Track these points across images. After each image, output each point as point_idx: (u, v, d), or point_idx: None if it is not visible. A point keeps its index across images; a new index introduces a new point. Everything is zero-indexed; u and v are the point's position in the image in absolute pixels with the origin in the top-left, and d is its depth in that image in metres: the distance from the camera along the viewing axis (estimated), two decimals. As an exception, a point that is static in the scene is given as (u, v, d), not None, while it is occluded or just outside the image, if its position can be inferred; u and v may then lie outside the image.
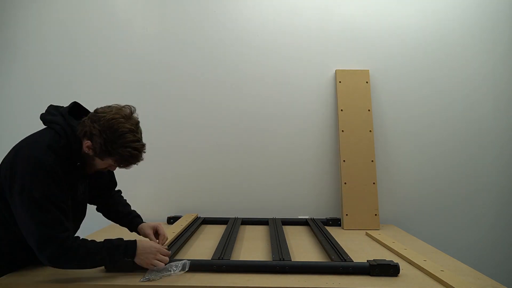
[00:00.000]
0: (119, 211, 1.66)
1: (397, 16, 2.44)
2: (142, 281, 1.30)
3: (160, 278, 1.33)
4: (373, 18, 2.44)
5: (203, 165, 2.46)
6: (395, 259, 1.51)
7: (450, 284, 1.26)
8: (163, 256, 1.39)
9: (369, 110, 2.36)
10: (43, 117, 1.41)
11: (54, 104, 1.45)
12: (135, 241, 1.37)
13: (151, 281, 1.31)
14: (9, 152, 1.36)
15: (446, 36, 2.43)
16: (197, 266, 1.41)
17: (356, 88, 2.38)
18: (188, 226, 2.08)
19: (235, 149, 2.45)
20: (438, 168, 2.42)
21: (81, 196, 1.47)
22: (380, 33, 2.44)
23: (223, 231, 1.98)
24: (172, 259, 1.43)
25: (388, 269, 1.38)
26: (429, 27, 2.43)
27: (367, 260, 1.42)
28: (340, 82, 2.40)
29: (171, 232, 1.87)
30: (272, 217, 2.33)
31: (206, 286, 1.28)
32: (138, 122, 1.37)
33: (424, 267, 1.42)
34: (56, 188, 1.27)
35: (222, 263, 1.42)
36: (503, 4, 2.42)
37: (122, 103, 2.60)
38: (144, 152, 1.35)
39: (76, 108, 1.44)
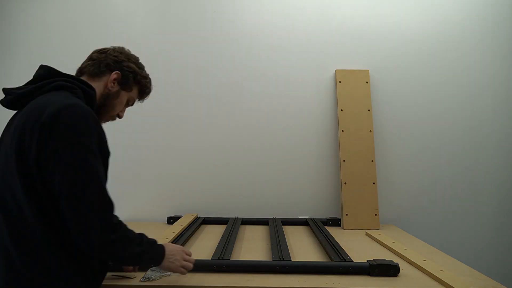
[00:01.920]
0: None
1: (398, 16, 2.44)
2: (142, 281, 1.30)
3: (160, 278, 1.33)
4: (373, 18, 2.44)
5: (203, 165, 2.46)
6: (395, 259, 1.51)
7: (450, 284, 1.26)
8: (189, 257, 1.26)
9: (369, 110, 2.36)
10: (42, 81, 1.15)
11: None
12: (161, 244, 1.19)
13: (151, 281, 1.31)
14: (17, 119, 1.07)
15: (446, 36, 2.43)
16: (197, 266, 1.40)
17: (356, 88, 2.38)
18: (188, 226, 2.08)
19: (235, 149, 2.45)
20: (438, 168, 2.42)
21: None
22: (380, 33, 2.44)
23: (223, 231, 1.98)
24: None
25: (388, 269, 1.38)
26: (429, 27, 2.43)
27: (367, 260, 1.42)
28: (340, 82, 2.40)
29: (171, 232, 1.87)
30: (272, 217, 2.33)
31: (206, 286, 1.28)
32: None
33: (424, 267, 1.43)
34: (105, 141, 1.08)
35: (222, 263, 1.42)
36: (504, 4, 2.42)
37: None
38: None
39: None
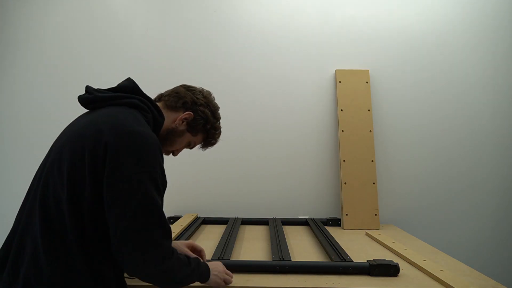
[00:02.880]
0: None
1: (397, 17, 2.44)
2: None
3: None
4: (373, 19, 2.44)
5: (203, 165, 2.46)
6: (395, 259, 1.51)
7: (450, 284, 1.26)
8: (228, 271, 1.27)
9: (369, 110, 2.36)
10: (107, 95, 1.17)
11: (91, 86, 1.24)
12: (204, 262, 1.20)
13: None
14: (81, 133, 1.03)
15: (446, 36, 2.43)
16: (197, 266, 1.41)
17: (356, 88, 2.38)
18: (188, 226, 2.08)
19: (235, 149, 2.45)
20: (438, 168, 2.42)
21: None
22: (380, 33, 2.44)
23: (223, 231, 1.98)
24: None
25: (388, 269, 1.38)
26: (429, 27, 2.43)
27: (367, 260, 1.42)
28: (340, 82, 2.40)
29: (171, 232, 1.87)
30: (272, 217, 2.34)
31: (205, 286, 1.28)
32: None
33: (424, 267, 1.42)
34: (160, 172, 1.03)
35: (221, 263, 1.42)
36: (504, 3, 2.42)
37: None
38: None
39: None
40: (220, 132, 1.33)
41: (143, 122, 1.07)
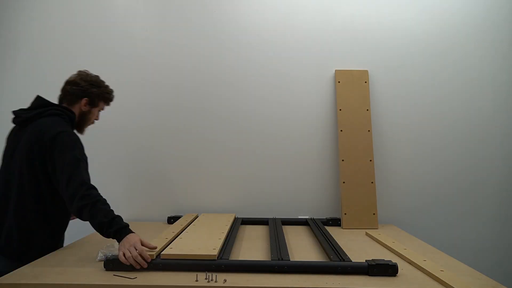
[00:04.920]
0: None
1: (397, 17, 2.44)
2: (98, 261, 1.47)
3: (111, 255, 1.42)
4: (373, 19, 2.44)
5: (203, 165, 2.46)
6: (395, 259, 1.51)
7: (450, 284, 1.26)
8: (138, 260, 1.39)
9: (367, 110, 2.36)
10: (33, 112, 1.69)
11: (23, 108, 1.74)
12: (128, 230, 1.50)
13: (108, 258, 1.40)
14: (27, 135, 1.63)
15: (445, 36, 2.43)
16: (196, 266, 1.41)
17: (355, 88, 2.38)
18: (188, 226, 2.07)
19: (234, 149, 2.45)
20: (437, 168, 2.42)
21: None
22: (380, 34, 2.44)
23: (223, 231, 1.97)
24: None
25: (387, 269, 1.38)
26: (428, 27, 2.43)
27: (366, 260, 1.42)
28: (339, 82, 2.40)
29: (171, 232, 1.87)
30: (272, 217, 2.34)
31: (205, 286, 1.28)
32: None
33: (424, 267, 1.42)
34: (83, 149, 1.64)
35: (221, 262, 1.42)
36: (504, 4, 2.41)
37: (123, 104, 2.63)
38: None
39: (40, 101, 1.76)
40: (110, 89, 1.86)
41: (63, 123, 1.66)
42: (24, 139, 1.62)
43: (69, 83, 1.77)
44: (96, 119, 1.87)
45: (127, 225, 1.51)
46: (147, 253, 1.42)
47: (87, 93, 1.75)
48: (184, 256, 1.44)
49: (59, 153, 1.55)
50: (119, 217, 1.51)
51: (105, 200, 1.53)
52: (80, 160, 1.56)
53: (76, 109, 1.76)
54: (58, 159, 1.55)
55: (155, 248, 1.49)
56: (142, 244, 1.44)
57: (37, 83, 2.49)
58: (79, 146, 1.62)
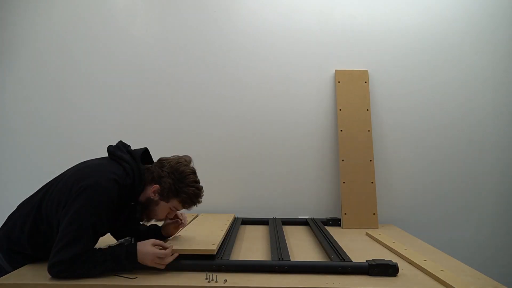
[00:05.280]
0: (144, 230, 1.70)
1: (397, 17, 2.44)
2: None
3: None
4: (373, 19, 2.44)
5: (202, 165, 2.45)
6: (395, 259, 1.50)
7: (450, 284, 1.26)
8: (163, 251, 1.37)
9: (367, 110, 2.36)
10: (112, 151, 1.50)
11: (123, 141, 1.57)
12: (134, 244, 1.39)
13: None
14: (74, 170, 1.46)
15: (445, 36, 2.43)
16: (196, 266, 1.40)
17: (355, 88, 2.38)
18: (187, 225, 2.07)
19: (234, 149, 2.45)
20: (436, 167, 2.42)
21: (119, 227, 1.60)
22: (380, 34, 2.44)
23: (223, 231, 1.97)
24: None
25: (387, 269, 1.38)
26: (428, 27, 2.43)
27: (366, 260, 1.42)
28: (339, 82, 2.40)
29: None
30: (272, 217, 2.33)
31: (205, 286, 1.28)
32: (195, 170, 1.55)
33: (424, 267, 1.42)
34: (105, 218, 1.37)
35: (221, 263, 1.42)
36: (504, 4, 2.41)
37: (122, 102, 2.56)
38: (203, 195, 1.53)
39: (145, 155, 1.58)
40: (195, 193, 1.49)
41: (119, 182, 1.40)
42: (70, 172, 1.46)
43: (159, 161, 1.54)
44: (169, 217, 1.58)
45: (125, 248, 1.38)
46: (168, 252, 1.39)
47: (160, 181, 1.46)
48: (183, 251, 1.43)
49: (74, 209, 1.33)
50: (111, 248, 1.39)
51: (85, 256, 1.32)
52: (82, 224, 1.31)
53: (146, 191, 1.48)
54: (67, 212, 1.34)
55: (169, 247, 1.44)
56: (155, 244, 1.40)
57: (34, 86, 2.49)
58: (97, 213, 1.34)
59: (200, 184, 1.52)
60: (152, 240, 1.40)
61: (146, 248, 1.37)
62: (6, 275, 1.35)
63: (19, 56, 2.51)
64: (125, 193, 1.42)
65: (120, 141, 1.56)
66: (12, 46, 2.52)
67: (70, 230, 1.29)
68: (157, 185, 1.45)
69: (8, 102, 2.50)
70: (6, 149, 2.49)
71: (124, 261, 1.34)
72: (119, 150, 1.50)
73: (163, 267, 1.37)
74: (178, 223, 1.65)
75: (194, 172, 1.52)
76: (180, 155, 1.56)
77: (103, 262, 1.32)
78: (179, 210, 1.56)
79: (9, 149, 2.48)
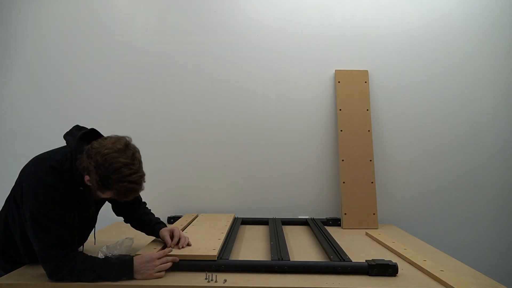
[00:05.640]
0: (142, 220, 1.69)
1: (396, 17, 2.44)
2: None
3: (111, 255, 1.42)
4: (373, 19, 2.44)
5: (203, 165, 2.46)
6: (395, 259, 1.50)
7: (450, 284, 1.26)
8: (163, 264, 1.37)
9: (367, 110, 2.36)
10: (65, 135, 1.44)
11: (80, 125, 1.48)
12: (131, 258, 1.37)
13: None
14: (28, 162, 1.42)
15: (445, 36, 2.43)
16: (197, 266, 1.41)
17: (355, 88, 2.38)
18: (188, 226, 2.07)
19: (235, 149, 2.45)
20: (436, 167, 2.42)
21: (91, 211, 1.53)
22: (380, 34, 2.44)
23: (223, 231, 1.97)
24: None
25: (387, 269, 1.38)
26: (428, 27, 2.43)
27: (366, 260, 1.42)
28: (339, 82, 2.40)
29: (170, 232, 1.87)
30: (272, 217, 2.33)
31: (205, 286, 1.28)
32: (134, 153, 1.34)
33: (424, 267, 1.42)
34: (57, 206, 1.31)
35: (221, 263, 1.42)
36: (504, 3, 2.41)
37: (122, 101, 2.56)
38: (144, 182, 1.34)
39: (94, 133, 1.45)
40: (128, 188, 1.29)
41: (55, 168, 1.35)
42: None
43: (87, 148, 1.33)
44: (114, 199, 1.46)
45: (117, 260, 1.37)
46: (165, 256, 1.40)
47: (88, 173, 1.30)
48: (184, 256, 1.44)
49: (25, 209, 1.33)
50: (107, 258, 1.40)
51: (79, 256, 1.34)
52: (38, 215, 1.29)
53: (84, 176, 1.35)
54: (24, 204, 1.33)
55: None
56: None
57: (36, 82, 2.49)
58: (44, 203, 1.30)
59: (137, 174, 1.30)
60: (151, 256, 1.38)
61: (143, 256, 1.37)
62: (6, 275, 1.36)
63: (20, 56, 2.51)
64: (70, 177, 1.34)
65: (76, 125, 1.48)
66: (12, 44, 2.52)
67: (36, 235, 1.30)
68: (87, 176, 1.31)
69: (12, 100, 2.50)
70: (10, 146, 2.49)
71: (116, 272, 1.32)
72: (68, 134, 1.44)
73: (163, 274, 1.35)
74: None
75: (126, 164, 1.28)
76: (120, 136, 1.39)
77: (93, 272, 1.30)
78: (115, 199, 1.41)
79: (13, 146, 2.49)
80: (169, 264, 1.38)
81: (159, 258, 1.37)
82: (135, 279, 1.32)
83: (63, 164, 1.35)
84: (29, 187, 1.32)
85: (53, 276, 1.30)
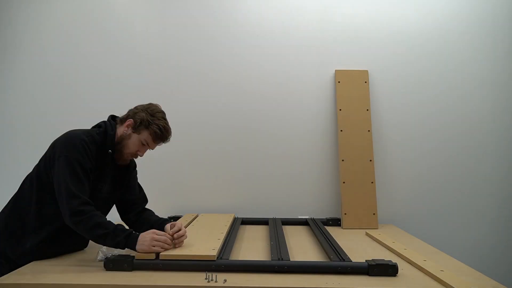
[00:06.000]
0: (151, 220, 1.74)
1: (397, 17, 2.44)
2: (99, 261, 1.46)
3: (111, 255, 1.43)
4: (373, 19, 2.44)
5: (203, 165, 2.46)
6: (395, 259, 1.50)
7: (450, 284, 1.25)
8: (160, 236, 1.46)
9: (367, 110, 2.36)
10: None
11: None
12: (138, 233, 1.47)
13: (108, 258, 1.41)
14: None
15: (445, 36, 2.43)
16: (196, 266, 1.41)
17: (355, 88, 2.38)
18: (188, 226, 2.07)
19: (235, 149, 2.45)
20: (436, 167, 2.42)
21: (105, 195, 1.63)
22: (380, 34, 2.44)
23: (223, 231, 1.97)
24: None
25: (387, 269, 1.38)
26: (428, 27, 2.43)
27: (366, 260, 1.42)
28: (339, 82, 2.40)
29: (170, 232, 1.87)
30: (272, 217, 2.33)
31: (205, 286, 1.28)
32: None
33: (424, 267, 1.42)
34: (87, 159, 1.49)
35: (221, 262, 1.42)
36: (503, 4, 2.41)
37: (122, 102, 2.58)
38: (171, 135, 1.64)
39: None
40: (165, 127, 1.60)
41: (89, 132, 1.57)
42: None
43: (135, 107, 1.66)
44: (139, 154, 1.65)
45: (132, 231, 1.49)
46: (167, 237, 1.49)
47: (134, 116, 1.60)
48: (184, 257, 1.44)
49: (57, 157, 1.48)
50: (120, 225, 1.49)
51: (100, 213, 1.46)
52: (70, 165, 1.45)
53: (120, 129, 1.62)
54: (56, 163, 1.49)
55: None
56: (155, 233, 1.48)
57: (36, 83, 2.50)
58: (78, 151, 1.49)
59: (169, 125, 1.62)
60: (153, 230, 1.49)
61: (147, 232, 1.48)
62: (6, 275, 1.36)
63: (21, 56, 2.51)
64: (100, 140, 1.56)
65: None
66: (13, 45, 2.52)
67: (66, 177, 1.43)
68: (131, 119, 1.59)
69: (12, 100, 2.50)
70: (8, 146, 2.49)
71: (123, 238, 1.42)
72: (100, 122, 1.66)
73: (161, 249, 1.44)
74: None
75: (164, 113, 1.64)
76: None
77: (104, 229, 1.41)
78: (149, 145, 1.63)
79: (11, 146, 2.49)
80: (164, 238, 1.46)
81: (155, 233, 1.47)
82: (137, 251, 1.42)
83: (97, 130, 1.59)
84: (64, 141, 1.50)
85: (73, 216, 1.40)
